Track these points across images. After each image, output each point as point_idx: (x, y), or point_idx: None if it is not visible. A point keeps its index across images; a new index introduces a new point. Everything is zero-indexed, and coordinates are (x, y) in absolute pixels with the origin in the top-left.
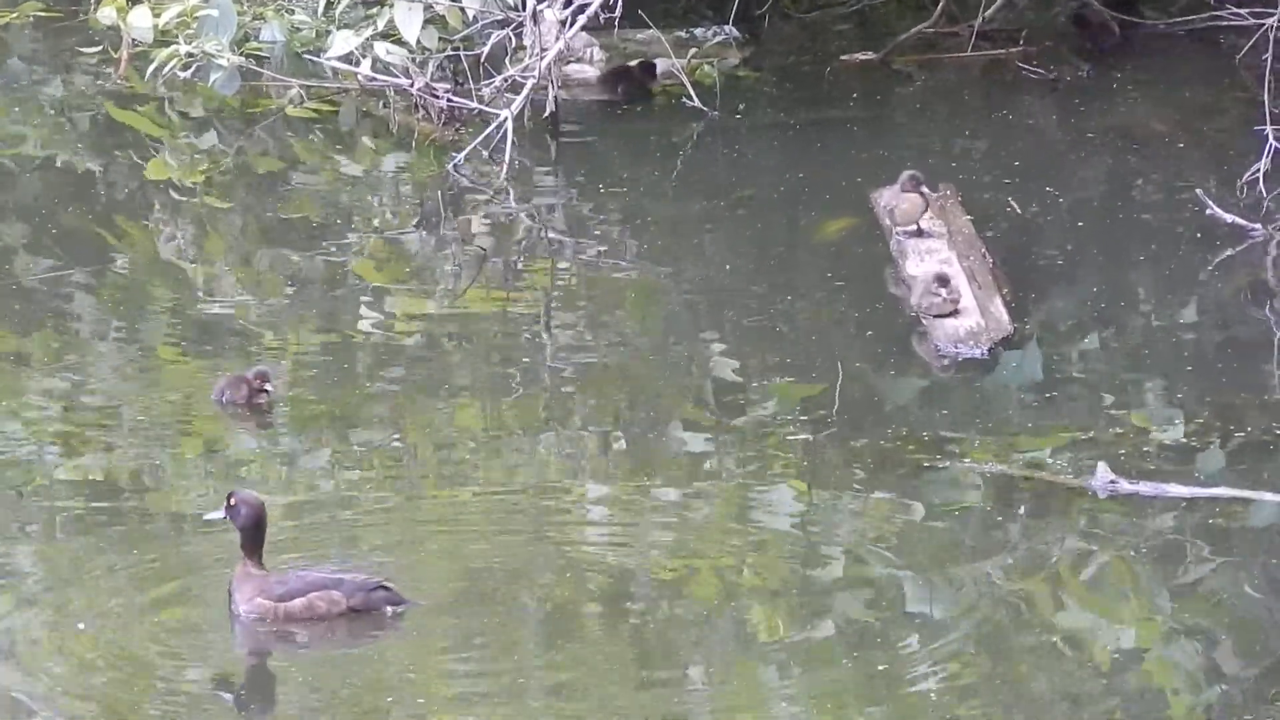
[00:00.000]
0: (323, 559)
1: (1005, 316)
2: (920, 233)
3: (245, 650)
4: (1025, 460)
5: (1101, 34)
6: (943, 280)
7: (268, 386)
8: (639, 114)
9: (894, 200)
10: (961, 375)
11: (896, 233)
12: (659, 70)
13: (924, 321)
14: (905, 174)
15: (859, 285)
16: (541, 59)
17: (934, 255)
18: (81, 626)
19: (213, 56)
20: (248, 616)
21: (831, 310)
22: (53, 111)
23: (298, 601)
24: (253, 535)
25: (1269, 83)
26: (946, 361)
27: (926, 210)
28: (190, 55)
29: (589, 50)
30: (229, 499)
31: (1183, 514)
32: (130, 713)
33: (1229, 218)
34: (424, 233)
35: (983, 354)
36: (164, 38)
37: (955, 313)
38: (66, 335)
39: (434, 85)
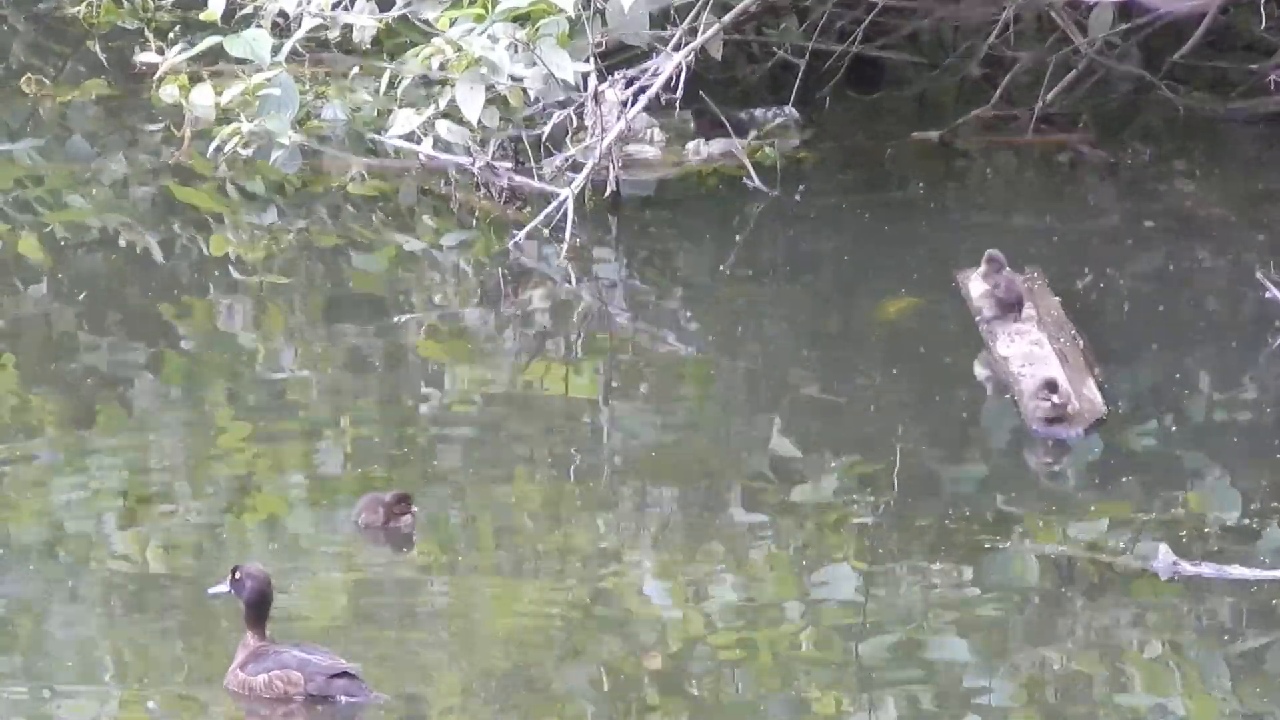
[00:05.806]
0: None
1: (1099, 399)
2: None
3: None
4: (1086, 541)
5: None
6: (1051, 386)
7: (409, 512)
8: (701, 195)
9: (984, 287)
10: (1023, 456)
11: (984, 316)
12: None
13: (1019, 407)
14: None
15: (925, 365)
16: (602, 139)
17: (1024, 336)
18: (152, 705)
19: (274, 134)
20: (230, 687)
21: (894, 389)
22: (115, 189)
23: (260, 678)
24: (256, 608)
25: None
26: (1038, 442)
27: (1022, 302)
28: (252, 133)
29: (650, 131)
30: (234, 573)
31: (1245, 596)
32: None
33: None
34: (484, 310)
35: (1078, 436)
36: (225, 116)
37: (1064, 419)
38: (127, 411)
39: (495, 164)
